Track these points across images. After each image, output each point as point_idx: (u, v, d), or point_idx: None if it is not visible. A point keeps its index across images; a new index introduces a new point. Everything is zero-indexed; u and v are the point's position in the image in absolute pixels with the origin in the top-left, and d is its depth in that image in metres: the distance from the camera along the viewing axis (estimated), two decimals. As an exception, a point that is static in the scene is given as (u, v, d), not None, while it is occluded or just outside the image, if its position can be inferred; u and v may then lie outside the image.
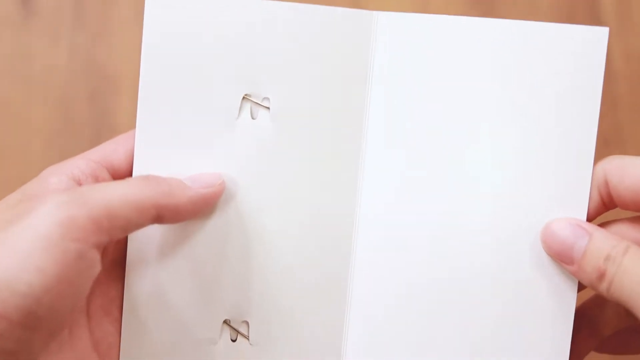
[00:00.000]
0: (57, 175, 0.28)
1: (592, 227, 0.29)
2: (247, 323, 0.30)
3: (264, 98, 0.30)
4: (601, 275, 0.27)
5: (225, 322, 0.30)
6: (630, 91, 0.48)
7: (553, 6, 0.50)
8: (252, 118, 0.30)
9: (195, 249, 0.30)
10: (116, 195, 0.25)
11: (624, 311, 0.32)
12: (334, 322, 0.30)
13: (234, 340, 0.30)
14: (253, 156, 0.30)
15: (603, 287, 0.27)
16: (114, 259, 0.30)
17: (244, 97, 0.30)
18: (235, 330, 0.30)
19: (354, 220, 0.30)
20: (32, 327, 0.23)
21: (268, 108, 0.30)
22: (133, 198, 0.26)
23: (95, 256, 0.25)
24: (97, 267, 0.25)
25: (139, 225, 0.26)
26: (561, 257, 0.29)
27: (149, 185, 0.26)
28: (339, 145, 0.30)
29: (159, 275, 0.30)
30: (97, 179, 0.29)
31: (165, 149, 0.30)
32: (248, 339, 0.30)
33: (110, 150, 0.30)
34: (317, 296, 0.30)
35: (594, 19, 0.49)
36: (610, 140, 0.48)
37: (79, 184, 0.28)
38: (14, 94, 0.47)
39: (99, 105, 0.47)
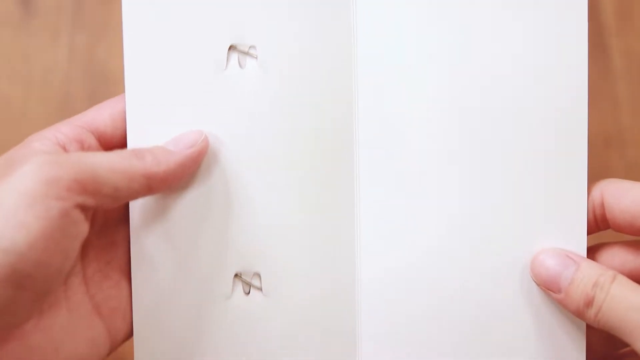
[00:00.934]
0: (40, 140, 0.28)
1: (579, 257, 0.29)
2: (259, 275, 0.30)
3: (251, 46, 0.30)
4: (589, 302, 0.28)
5: (237, 275, 0.30)
6: (630, 91, 0.48)
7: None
8: (240, 67, 0.30)
9: (198, 204, 0.30)
10: (103, 161, 0.25)
11: (609, 338, 0.32)
12: (345, 271, 0.30)
13: (247, 294, 0.30)
14: (244, 107, 0.30)
15: (590, 314, 0.28)
16: (106, 222, 0.30)
17: (230, 47, 0.30)
18: (247, 283, 0.30)
19: (354, 168, 0.30)
20: (17, 285, 0.23)
21: (256, 57, 0.30)
22: (120, 166, 0.26)
23: (79, 216, 0.25)
24: (83, 228, 0.25)
25: (129, 195, 0.27)
26: (548, 286, 0.29)
27: (136, 156, 0.27)
28: (332, 91, 0.30)
29: (164, 233, 0.30)
30: (82, 144, 0.29)
31: (156, 106, 0.29)
32: (261, 291, 0.30)
33: (95, 115, 0.30)
34: (324, 246, 0.30)
35: (594, 19, 0.49)
36: (610, 141, 0.48)
37: (64, 148, 0.28)
38: (14, 94, 0.47)
39: (99, 105, 0.47)
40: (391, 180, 0.30)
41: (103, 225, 0.30)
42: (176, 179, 0.28)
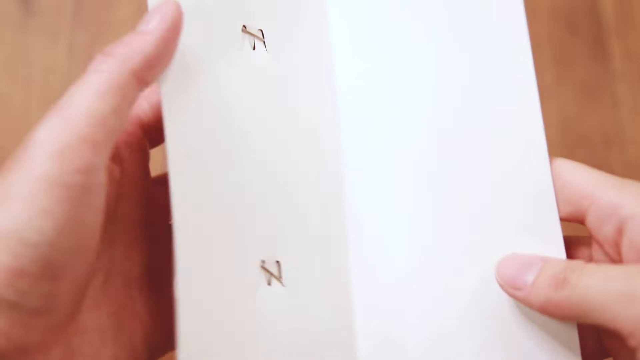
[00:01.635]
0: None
1: (547, 257, 0.28)
2: (278, 263, 0.29)
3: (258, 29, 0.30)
4: (559, 283, 0.25)
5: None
6: (630, 91, 0.48)
7: (553, 6, 0.50)
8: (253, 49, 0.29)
9: (221, 190, 0.28)
10: (92, 101, 0.24)
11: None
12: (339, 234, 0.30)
13: (269, 284, 0.29)
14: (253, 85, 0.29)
15: (561, 296, 0.25)
16: (126, 228, 0.27)
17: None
18: (269, 272, 0.29)
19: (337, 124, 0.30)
20: (53, 278, 0.21)
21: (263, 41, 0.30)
22: (107, 87, 0.24)
23: (100, 179, 0.23)
24: (102, 189, 0.23)
25: (132, 100, 0.24)
26: (514, 283, 0.27)
27: (114, 61, 0.24)
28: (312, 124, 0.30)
29: (203, 230, 0.27)
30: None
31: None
32: (281, 281, 0.29)
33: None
34: (316, 212, 0.30)
35: (594, 19, 0.50)
36: (611, 140, 0.48)
37: None
38: (14, 94, 0.47)
39: (99, 105, 0.47)
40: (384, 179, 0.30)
41: (123, 230, 0.27)
42: (161, 59, 0.25)
